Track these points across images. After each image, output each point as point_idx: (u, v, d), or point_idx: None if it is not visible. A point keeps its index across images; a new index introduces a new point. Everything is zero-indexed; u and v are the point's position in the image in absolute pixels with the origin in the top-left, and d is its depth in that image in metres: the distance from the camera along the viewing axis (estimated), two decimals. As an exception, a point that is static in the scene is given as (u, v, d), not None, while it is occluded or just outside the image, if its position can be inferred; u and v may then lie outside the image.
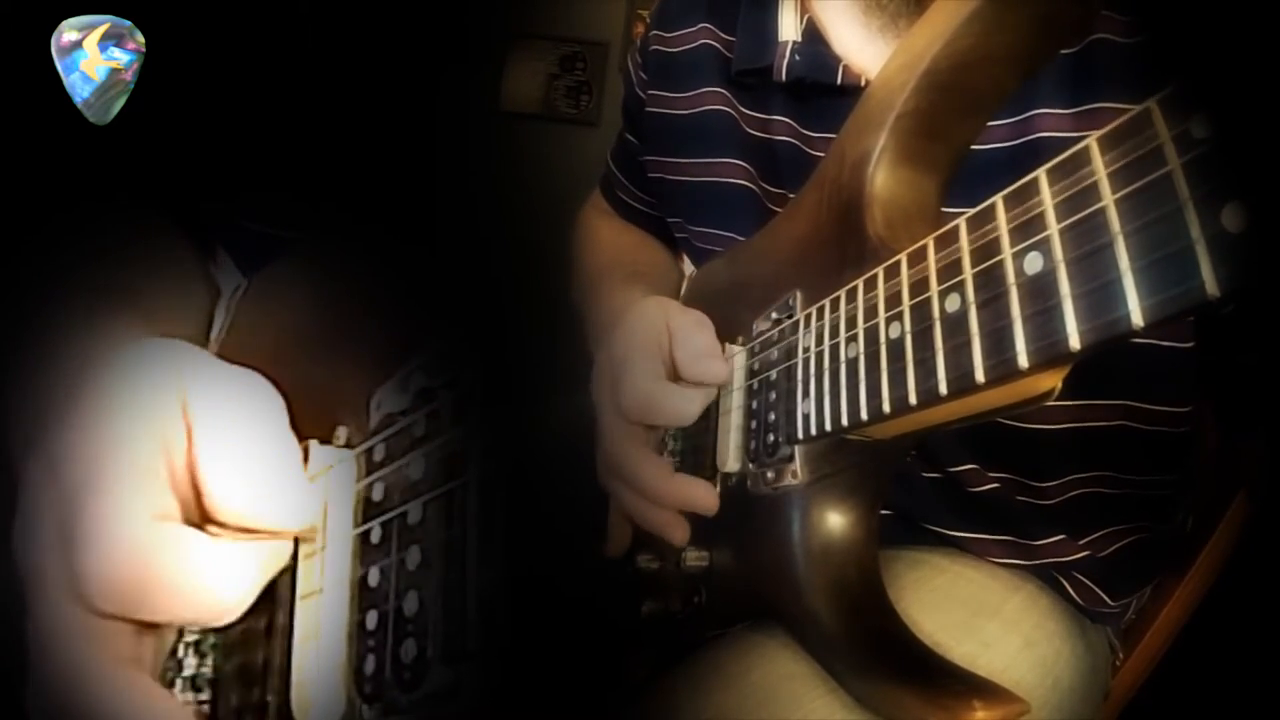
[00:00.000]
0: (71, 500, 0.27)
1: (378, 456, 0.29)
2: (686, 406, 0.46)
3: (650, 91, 0.73)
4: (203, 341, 0.43)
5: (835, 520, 0.41)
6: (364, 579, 0.28)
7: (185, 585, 0.27)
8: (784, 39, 0.59)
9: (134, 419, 0.28)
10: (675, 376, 0.48)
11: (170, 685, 0.32)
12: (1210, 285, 0.22)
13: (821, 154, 0.52)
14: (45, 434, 0.28)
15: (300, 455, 0.29)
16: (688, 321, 0.48)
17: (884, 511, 0.43)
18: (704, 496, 0.46)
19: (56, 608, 0.27)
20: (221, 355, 0.31)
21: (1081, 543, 0.59)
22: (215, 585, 0.27)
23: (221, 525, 0.29)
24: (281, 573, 0.30)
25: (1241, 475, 0.66)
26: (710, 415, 0.48)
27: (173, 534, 0.27)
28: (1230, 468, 0.67)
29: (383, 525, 0.28)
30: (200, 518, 0.29)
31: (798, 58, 0.58)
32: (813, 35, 0.59)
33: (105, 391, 0.28)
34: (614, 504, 0.55)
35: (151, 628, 0.28)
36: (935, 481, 0.59)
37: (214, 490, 0.28)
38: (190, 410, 0.28)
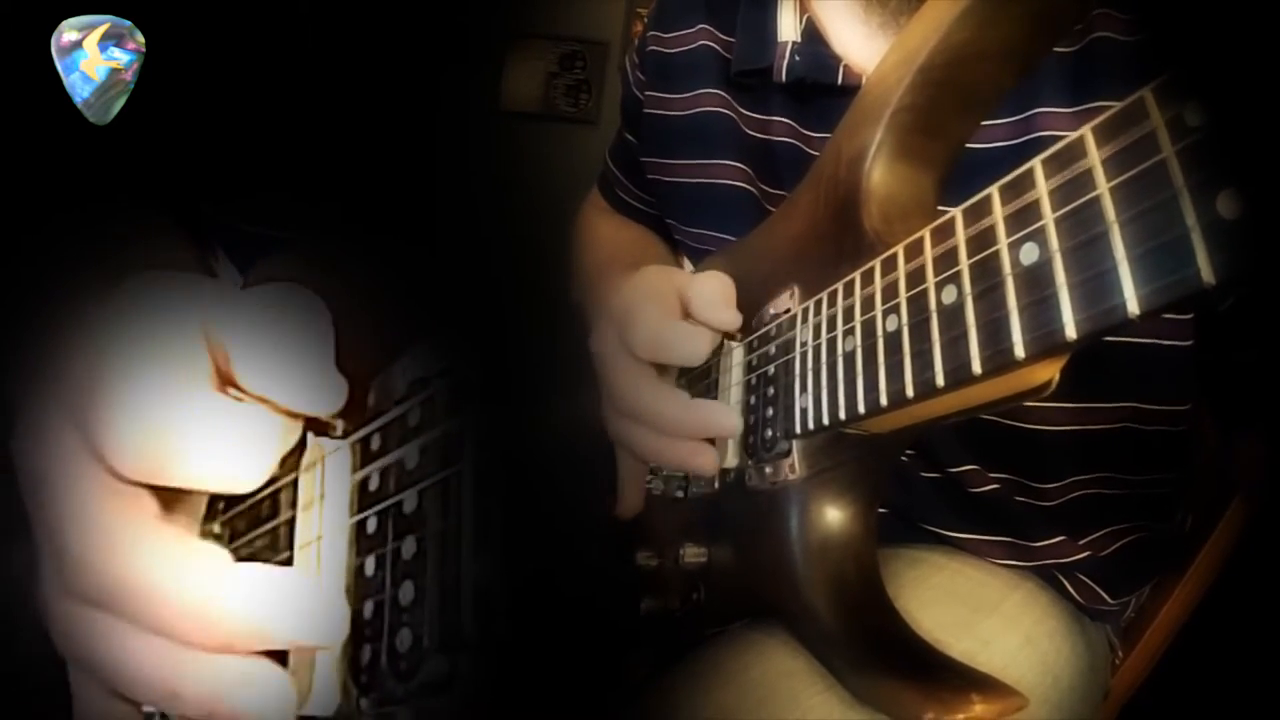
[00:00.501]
0: (95, 380, 0.26)
1: (374, 446, 0.29)
2: (698, 345, 0.45)
3: (648, 93, 0.73)
4: None
5: (833, 515, 0.41)
6: (359, 569, 0.28)
7: (215, 443, 0.27)
8: (783, 39, 0.59)
9: (155, 328, 0.28)
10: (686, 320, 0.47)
11: None
12: (1206, 272, 0.22)
13: None
14: (57, 361, 0.28)
15: (332, 348, 0.29)
16: (704, 274, 0.48)
17: (882, 511, 0.43)
18: (726, 417, 0.45)
19: (78, 481, 0.27)
20: None
21: (1081, 543, 0.59)
22: (245, 444, 0.27)
23: (242, 391, 0.29)
24: (278, 563, 0.30)
25: (1240, 474, 0.66)
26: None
27: (199, 394, 0.27)
28: (1229, 467, 0.67)
29: (378, 515, 0.28)
30: (220, 384, 0.29)
31: (798, 58, 0.58)
32: (812, 35, 0.59)
33: (124, 311, 0.28)
34: (623, 462, 0.53)
35: (175, 503, 0.28)
36: (934, 482, 0.59)
37: (238, 361, 0.28)
38: (212, 326, 0.28)
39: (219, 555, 0.27)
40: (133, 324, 0.28)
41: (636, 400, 0.47)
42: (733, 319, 0.46)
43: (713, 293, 0.47)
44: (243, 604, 0.26)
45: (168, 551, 0.26)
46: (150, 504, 0.27)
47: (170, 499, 0.28)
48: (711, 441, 0.46)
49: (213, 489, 0.28)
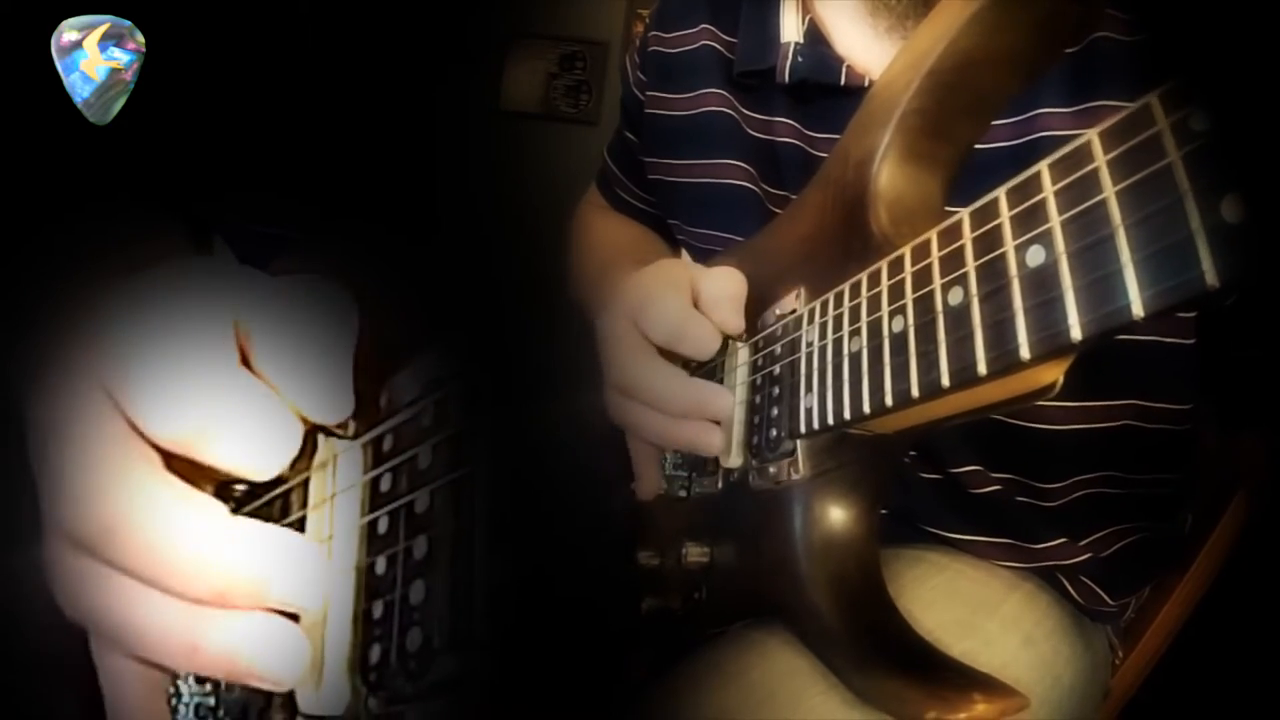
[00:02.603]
0: (132, 351, 0.27)
1: (386, 447, 0.29)
2: (710, 340, 0.46)
3: (649, 93, 0.73)
4: None
5: (837, 515, 0.41)
6: (370, 568, 0.29)
7: (247, 428, 0.27)
8: (786, 40, 0.60)
9: (185, 312, 0.28)
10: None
11: (175, 677, 0.32)
12: (1210, 276, 0.22)
13: (824, 155, 0.53)
14: (79, 337, 0.28)
15: (351, 355, 0.29)
16: (718, 269, 0.49)
17: (882, 512, 0.43)
18: (722, 399, 0.46)
19: (92, 427, 0.27)
20: None
21: (1082, 544, 0.59)
22: (271, 436, 0.28)
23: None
24: None
25: (1241, 473, 0.66)
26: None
27: (242, 377, 0.28)
28: (1230, 466, 0.68)
29: (390, 515, 0.28)
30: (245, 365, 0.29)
31: (800, 59, 0.58)
32: (815, 36, 0.59)
33: (155, 292, 0.28)
34: (634, 445, 0.54)
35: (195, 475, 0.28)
36: (935, 483, 0.59)
37: (259, 349, 0.28)
38: (240, 314, 0.28)
39: (218, 507, 0.27)
40: (166, 298, 0.28)
41: (637, 376, 0.48)
42: (737, 324, 0.47)
43: (723, 291, 0.47)
44: (242, 557, 0.26)
45: (167, 497, 0.26)
46: (157, 458, 0.27)
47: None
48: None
49: (232, 470, 0.28)
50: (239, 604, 0.26)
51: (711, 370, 0.50)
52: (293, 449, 0.28)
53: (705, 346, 0.46)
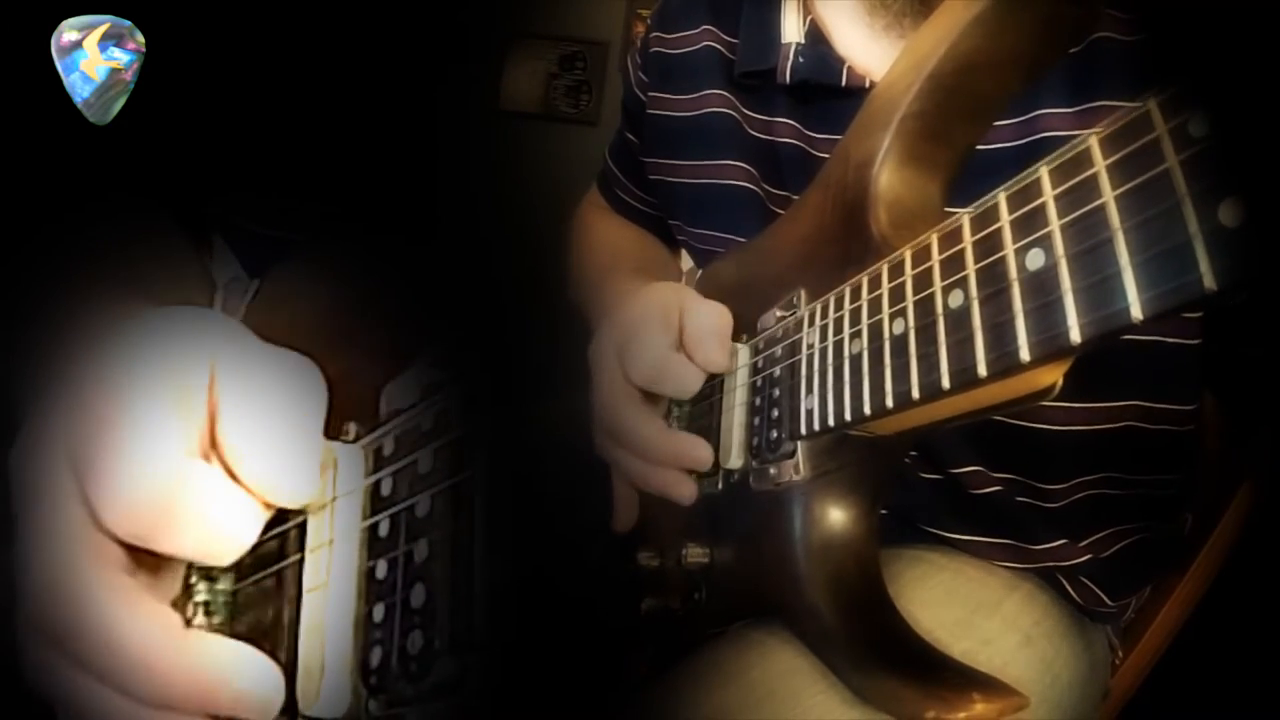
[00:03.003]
0: (98, 428, 0.27)
1: (386, 451, 0.29)
2: (690, 380, 0.46)
3: (651, 93, 0.73)
4: None
5: (836, 516, 0.42)
6: (371, 571, 0.29)
7: (204, 520, 0.27)
8: (787, 41, 0.60)
9: (164, 368, 0.28)
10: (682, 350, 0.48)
11: None
12: (1208, 279, 0.22)
13: (825, 156, 0.53)
14: (65, 381, 0.28)
15: (318, 435, 0.29)
16: (704, 304, 0.49)
17: (882, 512, 0.43)
18: (700, 451, 0.46)
19: (57, 513, 0.27)
20: None
21: (1082, 545, 0.59)
22: (230, 524, 0.28)
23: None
24: (289, 566, 0.31)
25: (1244, 472, 0.66)
26: (714, 412, 0.49)
27: (198, 469, 0.28)
28: (1230, 466, 0.68)
29: (391, 518, 0.28)
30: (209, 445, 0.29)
31: (801, 60, 0.58)
32: (816, 37, 0.59)
33: (134, 346, 0.28)
34: (616, 476, 0.55)
35: (152, 566, 0.28)
36: (936, 483, 0.59)
37: (229, 443, 0.28)
38: (218, 371, 0.28)
39: (170, 618, 0.27)
40: (140, 360, 0.28)
41: (620, 424, 0.49)
42: (721, 361, 0.47)
43: (709, 327, 0.47)
44: (192, 670, 0.26)
45: (127, 607, 0.27)
46: (118, 554, 0.28)
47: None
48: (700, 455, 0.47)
49: (191, 559, 0.28)
50: (187, 713, 0.27)
51: (714, 377, 0.50)
52: (251, 536, 0.28)
53: (685, 387, 0.46)
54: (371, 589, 0.29)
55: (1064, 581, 0.60)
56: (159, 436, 0.27)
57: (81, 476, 0.27)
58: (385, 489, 0.29)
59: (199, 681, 0.26)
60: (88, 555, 0.27)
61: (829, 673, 0.44)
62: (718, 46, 0.67)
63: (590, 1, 2.56)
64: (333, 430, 0.30)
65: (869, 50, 0.56)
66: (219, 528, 0.28)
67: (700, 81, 0.67)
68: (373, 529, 0.29)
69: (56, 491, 0.27)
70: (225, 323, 0.29)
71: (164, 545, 0.27)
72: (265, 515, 0.29)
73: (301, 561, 0.30)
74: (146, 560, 0.28)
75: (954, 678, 0.39)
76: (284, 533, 0.31)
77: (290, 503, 0.29)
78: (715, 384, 0.49)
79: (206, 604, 0.32)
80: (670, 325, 0.48)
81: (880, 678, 0.42)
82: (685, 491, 0.48)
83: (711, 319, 0.48)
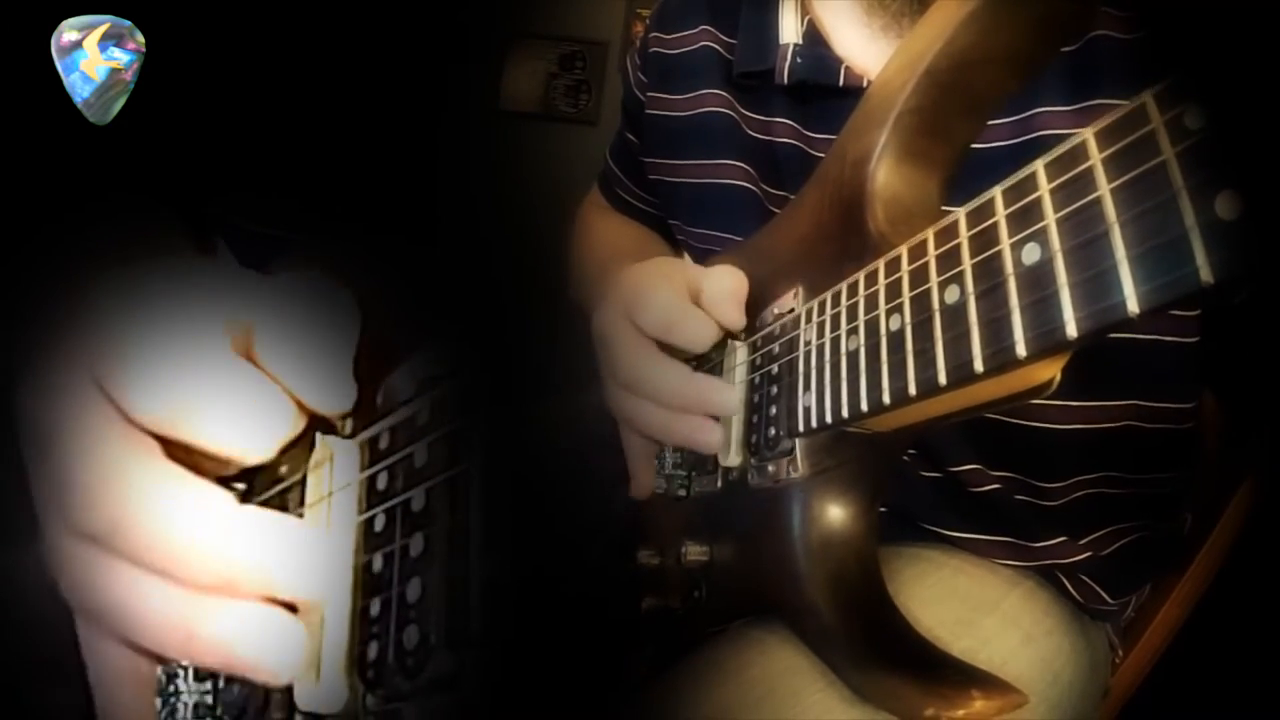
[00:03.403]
0: (121, 337, 0.27)
1: (382, 445, 0.29)
2: (705, 331, 0.46)
3: (650, 94, 0.73)
4: None
5: (835, 513, 0.41)
6: (367, 566, 0.29)
7: (226, 409, 0.27)
8: (785, 41, 0.60)
9: (195, 295, 0.28)
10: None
11: (173, 675, 0.32)
12: (1205, 272, 0.22)
13: (823, 155, 0.53)
14: (83, 317, 0.28)
15: (353, 349, 0.29)
16: (721, 267, 0.49)
17: (881, 510, 0.43)
18: (724, 394, 0.46)
19: (90, 424, 0.27)
20: None
21: (1082, 543, 0.59)
22: (261, 416, 0.28)
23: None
24: None
25: (1244, 472, 0.66)
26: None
27: (228, 358, 0.27)
28: (1230, 466, 0.68)
29: (386, 512, 0.28)
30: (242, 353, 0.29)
31: (799, 60, 0.58)
32: (814, 37, 0.59)
33: (152, 278, 0.28)
34: (629, 442, 0.54)
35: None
36: (935, 481, 0.60)
37: (261, 343, 0.28)
38: (250, 300, 0.29)
39: (226, 497, 0.27)
40: (161, 294, 0.28)
41: (639, 371, 0.48)
42: (739, 319, 0.47)
43: (726, 288, 0.47)
44: (248, 545, 0.26)
45: (174, 488, 0.26)
46: (156, 446, 0.27)
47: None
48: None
49: (219, 451, 0.28)
50: (243, 592, 0.26)
51: (711, 370, 0.50)
52: (282, 431, 0.28)
53: (698, 336, 0.46)
54: (368, 583, 0.29)
55: (1064, 579, 0.60)
56: (179, 331, 0.27)
57: (106, 382, 0.26)
58: (381, 483, 0.29)
59: (258, 558, 0.26)
60: (129, 448, 0.27)
61: (829, 671, 0.44)
62: (716, 47, 0.67)
63: (590, 1, 2.56)
64: (328, 423, 0.30)
65: (867, 50, 0.57)
66: (248, 417, 0.27)
67: (698, 81, 0.68)
68: (369, 523, 0.29)
69: (84, 407, 0.27)
70: (238, 272, 0.29)
71: (188, 431, 0.27)
72: (297, 420, 0.29)
73: None
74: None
75: (953, 675, 0.39)
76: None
77: (324, 407, 0.29)
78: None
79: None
80: (676, 282, 0.48)
81: (880, 675, 0.42)
82: (712, 436, 0.46)
83: (729, 281, 0.47)
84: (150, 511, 0.26)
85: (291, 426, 0.29)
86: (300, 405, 0.29)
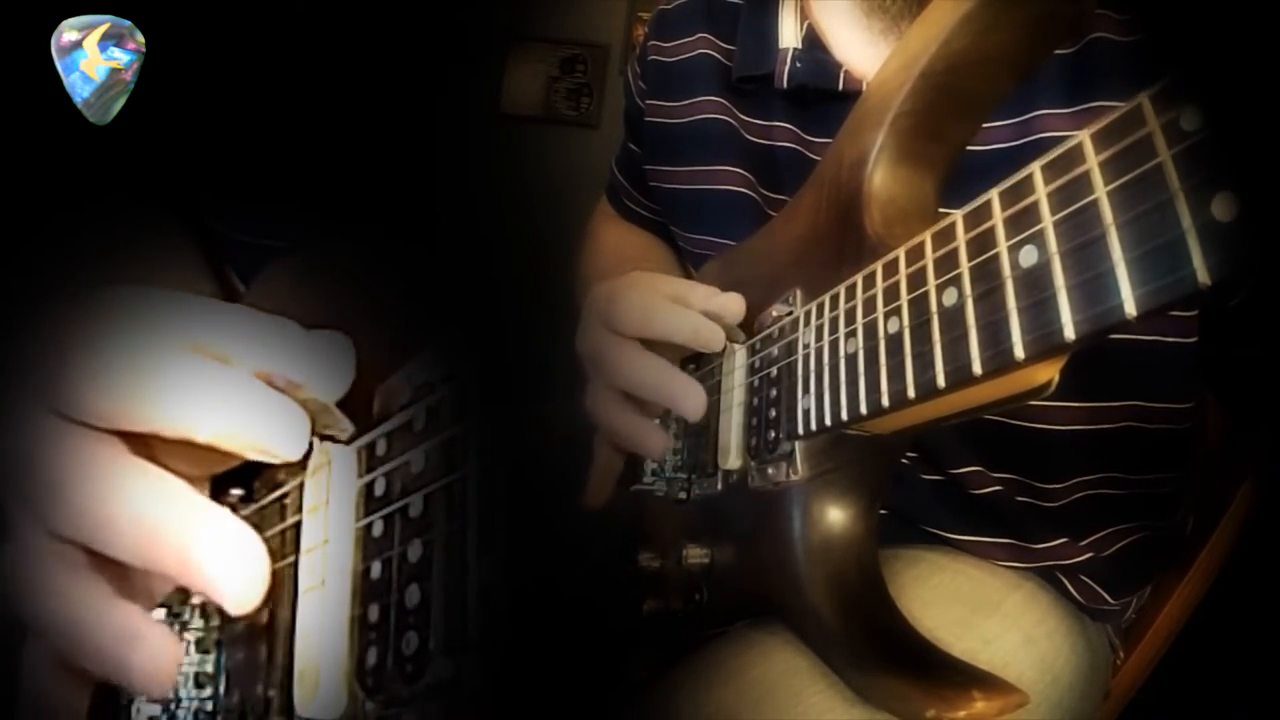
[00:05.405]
0: (68, 354, 0.27)
1: (379, 451, 0.29)
2: (683, 321, 0.47)
3: (649, 101, 0.73)
4: None
5: (835, 515, 0.41)
6: (366, 572, 0.29)
7: (174, 394, 0.27)
8: (784, 46, 0.60)
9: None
10: None
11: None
12: (1201, 274, 0.22)
13: None
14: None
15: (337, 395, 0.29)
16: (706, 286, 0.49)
17: (882, 512, 0.43)
18: (693, 390, 0.47)
19: (50, 440, 0.27)
20: None
21: (1083, 544, 0.59)
22: (201, 396, 0.27)
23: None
24: (284, 567, 0.31)
25: (1244, 472, 0.66)
26: (711, 413, 0.49)
27: (171, 351, 0.27)
28: (1230, 466, 0.68)
29: (384, 519, 0.28)
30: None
31: (799, 65, 0.58)
32: (813, 42, 0.59)
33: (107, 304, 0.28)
34: (598, 453, 0.55)
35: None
36: (936, 483, 0.59)
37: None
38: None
39: (188, 490, 0.27)
40: (116, 314, 0.27)
41: (620, 363, 0.49)
42: (736, 307, 0.47)
43: (714, 290, 0.48)
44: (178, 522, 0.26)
45: (140, 479, 0.27)
46: (122, 446, 0.27)
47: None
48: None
49: (172, 433, 0.27)
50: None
51: (710, 372, 0.50)
52: (234, 410, 0.27)
53: (678, 325, 0.47)
54: (366, 589, 0.29)
55: (1065, 580, 0.60)
56: (130, 337, 0.27)
57: (60, 398, 0.27)
58: (379, 489, 0.29)
59: (183, 538, 0.26)
60: (94, 449, 0.27)
61: (829, 672, 0.44)
62: (714, 54, 0.67)
63: (591, 4, 2.56)
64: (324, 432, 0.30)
65: (866, 54, 0.57)
66: (194, 397, 0.27)
67: (696, 88, 0.68)
68: (366, 529, 0.29)
69: (43, 429, 0.27)
70: (200, 300, 0.29)
71: (140, 419, 0.27)
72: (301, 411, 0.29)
73: (297, 562, 0.30)
74: None
75: (954, 676, 0.39)
76: (280, 533, 0.31)
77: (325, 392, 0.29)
78: (713, 384, 0.49)
79: (203, 605, 0.33)
80: (650, 284, 0.49)
81: (880, 677, 0.42)
82: (654, 442, 0.49)
83: (715, 288, 0.48)
84: (117, 503, 0.26)
85: (301, 423, 0.29)
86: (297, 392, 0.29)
